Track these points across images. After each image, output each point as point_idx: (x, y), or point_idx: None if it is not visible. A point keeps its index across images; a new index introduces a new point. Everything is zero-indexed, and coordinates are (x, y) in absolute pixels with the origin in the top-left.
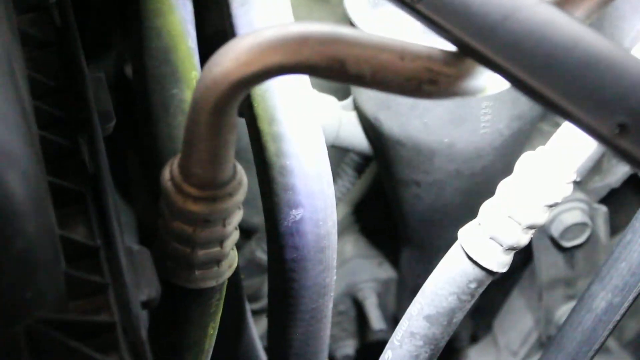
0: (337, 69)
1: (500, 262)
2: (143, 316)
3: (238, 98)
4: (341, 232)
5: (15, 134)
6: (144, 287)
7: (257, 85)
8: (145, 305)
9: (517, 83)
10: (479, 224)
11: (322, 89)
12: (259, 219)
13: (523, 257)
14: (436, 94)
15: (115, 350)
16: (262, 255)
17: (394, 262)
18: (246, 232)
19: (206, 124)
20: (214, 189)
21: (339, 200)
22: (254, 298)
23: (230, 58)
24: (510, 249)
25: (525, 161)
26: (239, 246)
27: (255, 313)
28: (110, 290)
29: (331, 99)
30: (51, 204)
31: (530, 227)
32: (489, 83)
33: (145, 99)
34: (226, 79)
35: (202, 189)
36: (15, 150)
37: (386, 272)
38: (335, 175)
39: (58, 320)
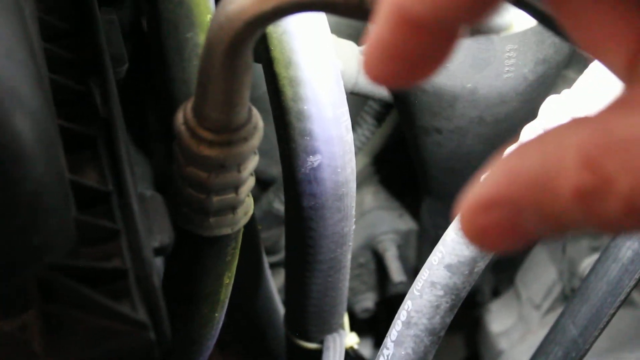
0: (355, 5)
1: None
2: (157, 264)
3: (253, 37)
4: (360, 183)
5: (23, 72)
6: (157, 234)
7: (273, 22)
8: (158, 252)
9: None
10: None
11: (340, 35)
12: (276, 170)
13: None
14: None
15: (127, 297)
16: (279, 206)
17: (415, 213)
18: (263, 183)
19: (220, 64)
20: (229, 132)
21: (358, 150)
22: (271, 250)
23: None
24: None
25: (550, 104)
26: (256, 197)
27: (273, 266)
28: (122, 236)
29: (350, 44)
30: (61, 147)
31: None
32: (514, 19)
33: (159, 44)
34: (241, 16)
35: (216, 132)
36: (23, 89)
37: (406, 223)
38: (355, 124)
39: (69, 266)
